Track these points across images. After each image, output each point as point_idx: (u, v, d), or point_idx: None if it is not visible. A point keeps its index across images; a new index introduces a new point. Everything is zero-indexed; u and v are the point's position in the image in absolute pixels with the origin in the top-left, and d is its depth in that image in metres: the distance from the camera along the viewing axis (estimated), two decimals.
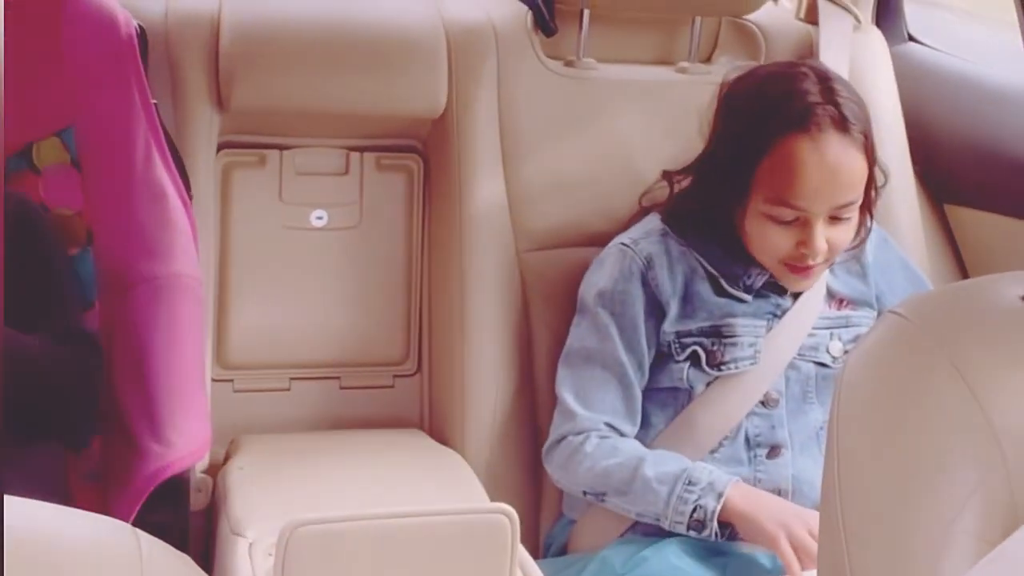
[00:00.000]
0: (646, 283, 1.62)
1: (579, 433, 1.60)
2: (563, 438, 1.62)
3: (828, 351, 1.64)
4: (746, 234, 1.59)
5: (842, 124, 1.53)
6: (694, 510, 1.49)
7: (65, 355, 1.39)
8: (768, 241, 1.57)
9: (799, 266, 1.57)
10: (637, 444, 1.60)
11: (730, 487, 1.50)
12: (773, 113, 1.54)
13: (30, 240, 1.43)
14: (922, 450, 0.78)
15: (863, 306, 1.68)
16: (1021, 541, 0.57)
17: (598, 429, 1.60)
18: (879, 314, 1.67)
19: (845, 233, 1.57)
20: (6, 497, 0.75)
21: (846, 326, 1.66)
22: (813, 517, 1.45)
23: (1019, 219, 1.92)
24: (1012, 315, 0.81)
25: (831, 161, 1.52)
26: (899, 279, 1.72)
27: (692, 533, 1.51)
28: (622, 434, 1.61)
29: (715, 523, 1.49)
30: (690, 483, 1.50)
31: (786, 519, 1.47)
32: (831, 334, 1.65)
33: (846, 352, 1.64)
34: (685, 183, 1.67)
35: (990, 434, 0.74)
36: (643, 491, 1.53)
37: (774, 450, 1.60)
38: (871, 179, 1.58)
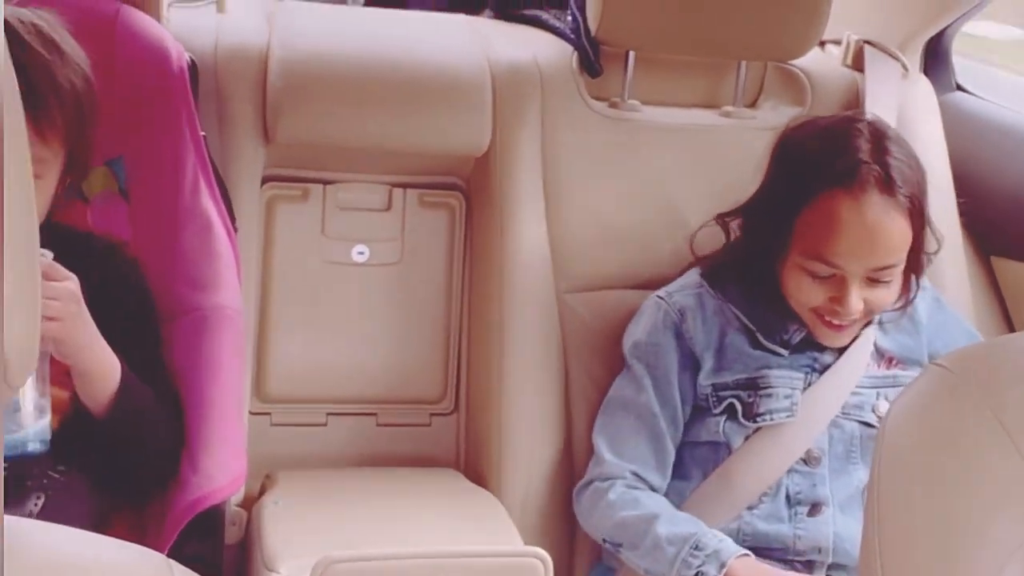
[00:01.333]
0: (680, 335, 1.62)
1: (606, 479, 1.61)
2: (591, 482, 1.63)
3: (874, 411, 1.61)
4: (784, 284, 1.58)
5: (887, 185, 1.51)
6: (696, 575, 1.48)
7: (164, 400, 1.41)
8: (803, 293, 1.56)
9: (832, 322, 1.55)
10: (659, 500, 1.59)
11: (734, 559, 1.48)
12: (820, 166, 1.53)
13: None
14: (964, 505, 0.77)
15: (913, 365, 1.66)
16: None
17: (624, 477, 1.60)
18: None
19: (885, 295, 1.56)
20: (42, 523, 0.76)
21: (894, 385, 1.63)
22: None
23: None
24: None
25: (870, 221, 1.50)
26: (958, 339, 1.69)
27: None
28: (649, 484, 1.61)
29: None
30: (696, 548, 1.50)
31: None
32: (878, 393, 1.62)
33: None
34: (737, 228, 1.67)
35: None
36: (653, 548, 1.52)
37: (815, 508, 1.58)
38: (918, 243, 1.56)
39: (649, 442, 1.61)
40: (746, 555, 1.49)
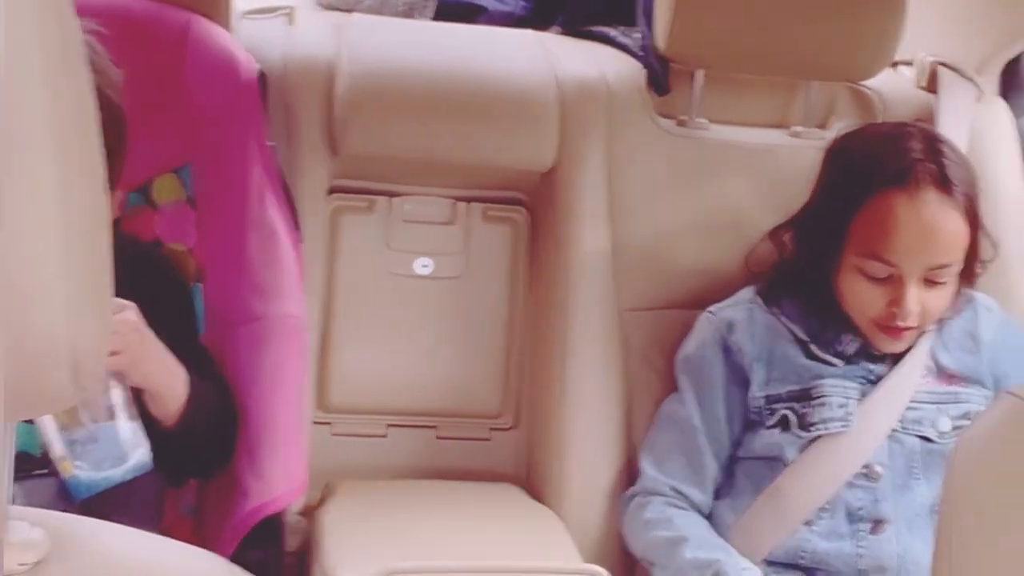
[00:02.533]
0: (727, 348, 1.62)
1: (647, 495, 1.62)
2: (633, 496, 1.64)
3: (934, 426, 1.60)
4: (840, 291, 1.57)
5: (942, 183, 1.51)
6: None
7: (220, 393, 1.42)
8: (860, 297, 1.55)
9: (890, 327, 1.54)
10: (693, 522, 1.58)
11: None
12: (874, 167, 1.54)
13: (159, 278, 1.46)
14: None
15: (973, 383, 1.64)
16: None
17: (664, 493, 1.60)
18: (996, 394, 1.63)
19: (940, 298, 1.55)
20: (104, 523, 0.76)
21: (955, 402, 1.62)
22: None
23: None
24: None
25: (927, 219, 1.50)
26: None
27: None
28: (689, 499, 1.61)
29: None
30: (716, 574, 1.48)
31: None
32: (938, 409, 1.61)
33: (955, 429, 1.59)
34: (789, 241, 1.66)
35: None
36: (677, 572, 1.52)
37: (877, 525, 1.56)
38: (973, 246, 1.55)
39: (689, 456, 1.61)
40: None
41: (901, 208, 1.50)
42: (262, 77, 1.61)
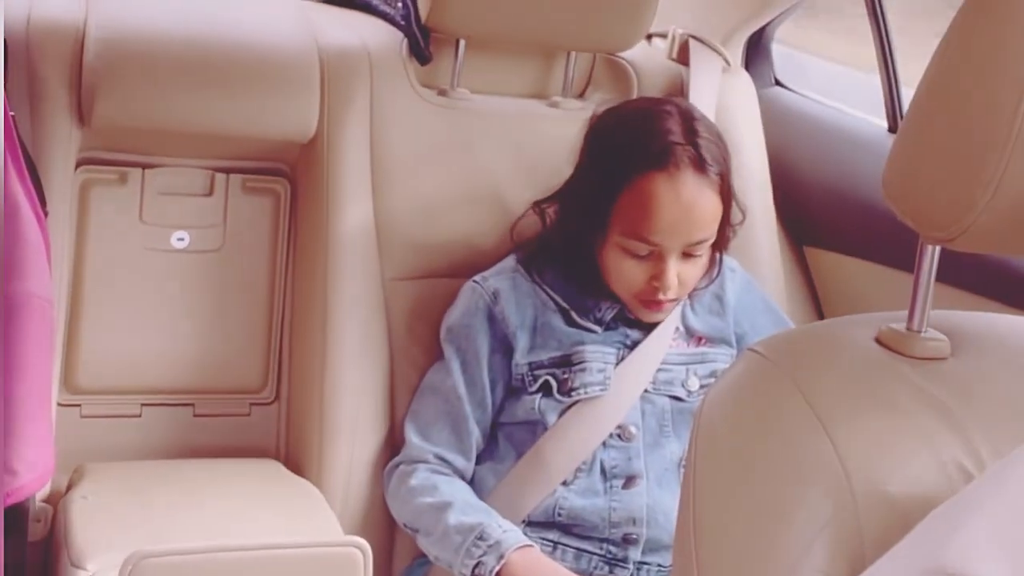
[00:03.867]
0: (492, 317, 1.65)
1: (412, 463, 1.63)
2: (397, 466, 1.65)
3: (684, 386, 1.66)
4: (604, 267, 1.62)
5: (699, 164, 1.57)
6: (476, 565, 1.51)
7: None
8: (623, 274, 1.60)
9: (652, 300, 1.60)
10: (458, 488, 1.61)
11: (513, 551, 1.51)
12: (634, 150, 1.58)
13: None
14: (775, 486, 0.78)
15: (720, 343, 1.71)
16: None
17: (428, 461, 1.63)
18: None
19: (696, 269, 1.62)
20: None
21: (702, 362, 1.69)
22: None
23: (871, 262, 1.96)
24: (863, 356, 0.82)
25: (686, 199, 1.56)
26: (763, 321, 1.75)
27: None
28: (453, 466, 1.63)
29: None
30: (480, 538, 1.52)
31: None
32: (687, 370, 1.67)
33: (702, 387, 1.66)
34: (553, 213, 1.69)
35: (841, 472, 0.74)
36: (443, 537, 1.56)
37: (630, 481, 1.61)
38: (726, 218, 1.62)
39: (453, 425, 1.64)
40: (529, 546, 1.52)
41: (661, 190, 1.55)
42: (4, 44, 1.52)
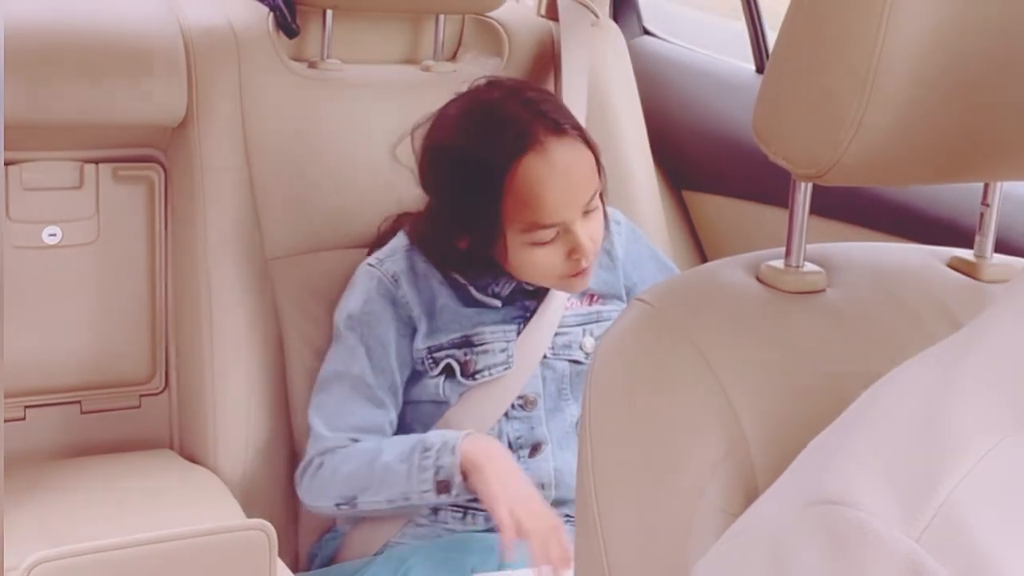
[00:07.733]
0: (395, 302, 1.61)
1: (324, 454, 1.58)
2: (311, 461, 1.59)
3: (581, 348, 1.65)
4: (511, 265, 1.57)
5: (555, 127, 1.53)
6: (436, 472, 1.49)
7: None
8: (539, 266, 1.56)
9: (576, 272, 1.56)
10: (377, 441, 1.57)
11: (462, 440, 1.49)
12: (493, 150, 1.52)
13: None
14: (668, 430, 0.79)
15: (613, 299, 1.71)
16: (757, 513, 0.58)
17: (344, 446, 1.58)
18: None
19: (599, 221, 1.59)
20: None
21: (597, 321, 1.68)
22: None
23: (749, 201, 1.99)
24: (746, 296, 0.83)
25: (562, 166, 1.52)
26: (650, 270, 1.76)
27: (444, 498, 1.50)
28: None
29: (459, 476, 1.48)
30: (425, 450, 1.50)
31: (512, 490, 1.47)
32: (583, 330, 1.67)
33: None
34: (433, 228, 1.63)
35: (731, 411, 0.75)
36: (385, 476, 1.52)
37: (535, 449, 1.62)
38: (598, 164, 1.59)
39: (364, 409, 1.59)
40: (470, 433, 1.51)
41: (537, 171, 1.50)
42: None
